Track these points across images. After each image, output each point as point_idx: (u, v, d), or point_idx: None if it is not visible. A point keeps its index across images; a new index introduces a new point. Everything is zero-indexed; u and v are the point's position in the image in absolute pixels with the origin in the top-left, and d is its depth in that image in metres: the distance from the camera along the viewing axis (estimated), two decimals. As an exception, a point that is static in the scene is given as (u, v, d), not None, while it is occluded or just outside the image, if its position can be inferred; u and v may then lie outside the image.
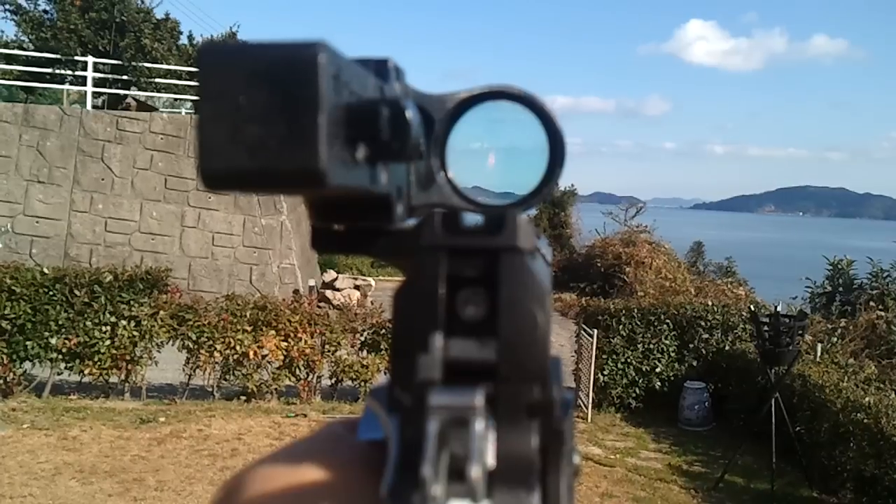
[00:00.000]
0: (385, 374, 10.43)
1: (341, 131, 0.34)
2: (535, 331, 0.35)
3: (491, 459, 0.33)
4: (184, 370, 10.14)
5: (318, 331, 10.41)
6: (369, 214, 0.43)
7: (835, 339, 12.06)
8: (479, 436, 0.32)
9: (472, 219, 0.37)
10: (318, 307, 11.28)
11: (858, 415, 7.89)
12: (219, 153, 0.32)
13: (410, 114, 0.38)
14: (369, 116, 0.36)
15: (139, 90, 18.73)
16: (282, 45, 0.33)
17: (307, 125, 0.32)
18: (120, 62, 18.24)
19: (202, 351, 10.00)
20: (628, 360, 11.07)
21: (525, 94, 0.57)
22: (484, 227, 0.36)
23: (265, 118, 0.32)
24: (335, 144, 0.33)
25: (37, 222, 15.55)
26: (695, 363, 11.19)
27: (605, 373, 10.95)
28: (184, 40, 21.14)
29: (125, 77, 18.50)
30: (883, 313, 14.05)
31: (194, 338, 9.99)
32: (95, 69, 17.84)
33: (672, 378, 11.11)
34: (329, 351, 10.45)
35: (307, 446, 0.42)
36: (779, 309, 8.04)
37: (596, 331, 10.65)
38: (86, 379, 10.04)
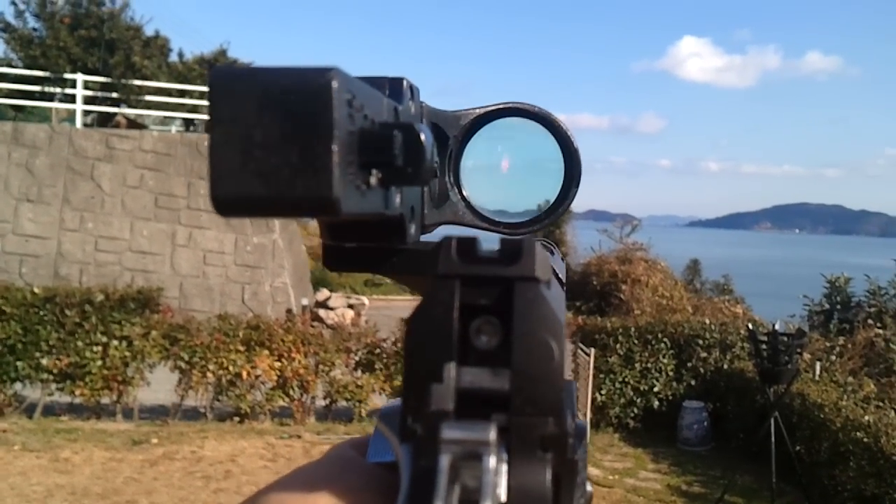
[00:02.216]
0: (379, 394, 10.44)
1: (355, 158, 0.34)
2: (549, 362, 0.34)
3: (503, 493, 0.33)
4: (176, 391, 10.04)
5: (311, 350, 10.32)
6: (382, 235, 0.44)
7: (833, 357, 12.00)
8: (491, 470, 0.32)
9: (488, 246, 0.36)
10: (312, 326, 11.21)
11: (858, 433, 7.87)
12: (231, 179, 0.32)
13: (424, 137, 0.37)
14: (383, 142, 0.36)
15: (129, 108, 18.67)
16: (295, 71, 0.32)
17: (320, 153, 0.32)
18: (110, 80, 18.18)
19: (195, 371, 9.91)
20: (626, 380, 11.01)
21: (541, 111, 0.58)
22: (499, 256, 0.36)
23: (277, 145, 0.32)
24: (348, 172, 0.33)
25: (26, 241, 15.41)
26: (693, 382, 11.13)
27: (603, 392, 10.88)
28: (174, 57, 21.16)
29: (115, 95, 18.43)
30: (881, 331, 14.03)
31: (187, 358, 9.90)
32: (85, 87, 17.77)
33: (670, 397, 11.05)
34: (323, 371, 10.37)
35: (319, 471, 0.42)
36: (777, 327, 7.98)
37: (593, 350, 10.58)
38: (77, 400, 9.94)
